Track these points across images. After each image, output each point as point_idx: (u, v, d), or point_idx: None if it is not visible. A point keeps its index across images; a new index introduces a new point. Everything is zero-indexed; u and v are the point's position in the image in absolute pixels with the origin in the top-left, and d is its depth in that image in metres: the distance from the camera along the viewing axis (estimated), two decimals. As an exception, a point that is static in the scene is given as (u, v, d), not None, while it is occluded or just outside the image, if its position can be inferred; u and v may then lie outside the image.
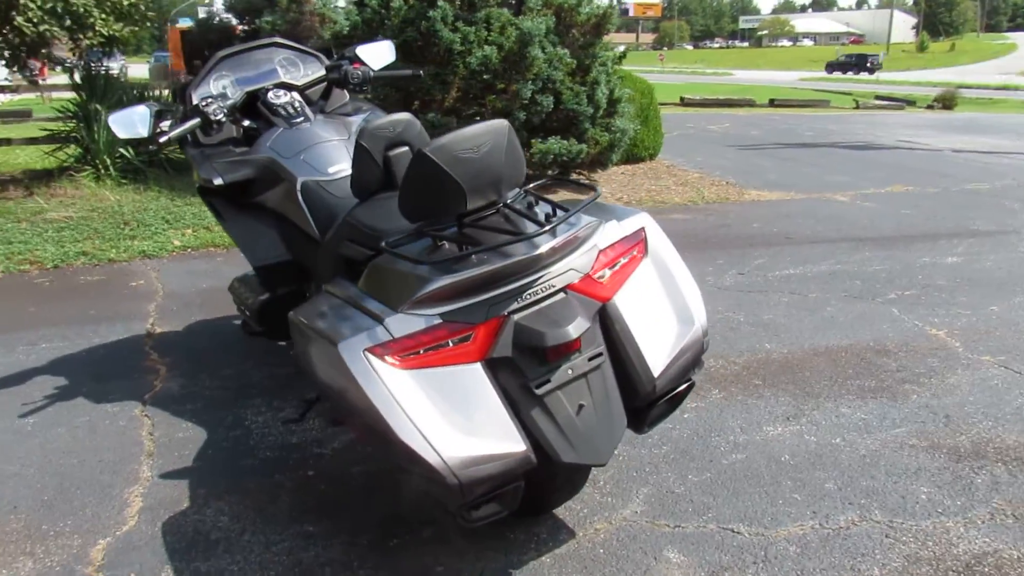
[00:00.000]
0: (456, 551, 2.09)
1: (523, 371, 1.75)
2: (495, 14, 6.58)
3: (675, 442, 2.65)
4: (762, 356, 3.41)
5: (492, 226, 1.83)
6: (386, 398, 1.63)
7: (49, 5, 5.97)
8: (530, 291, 1.77)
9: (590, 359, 1.82)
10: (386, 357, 1.66)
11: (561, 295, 1.82)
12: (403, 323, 1.70)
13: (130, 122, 2.53)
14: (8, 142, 8.11)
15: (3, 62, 6.67)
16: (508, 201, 1.89)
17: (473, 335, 1.72)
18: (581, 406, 1.80)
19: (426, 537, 2.14)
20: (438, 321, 1.70)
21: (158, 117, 2.58)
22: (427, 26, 6.19)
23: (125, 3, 6.48)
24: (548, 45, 6.73)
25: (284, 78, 2.87)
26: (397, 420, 1.62)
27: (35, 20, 5.87)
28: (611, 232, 1.95)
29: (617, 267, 1.93)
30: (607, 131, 7.31)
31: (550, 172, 7.38)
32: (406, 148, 2.22)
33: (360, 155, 2.16)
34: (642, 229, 2.01)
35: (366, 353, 1.66)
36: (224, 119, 2.62)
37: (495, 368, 1.75)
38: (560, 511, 2.25)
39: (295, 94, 2.80)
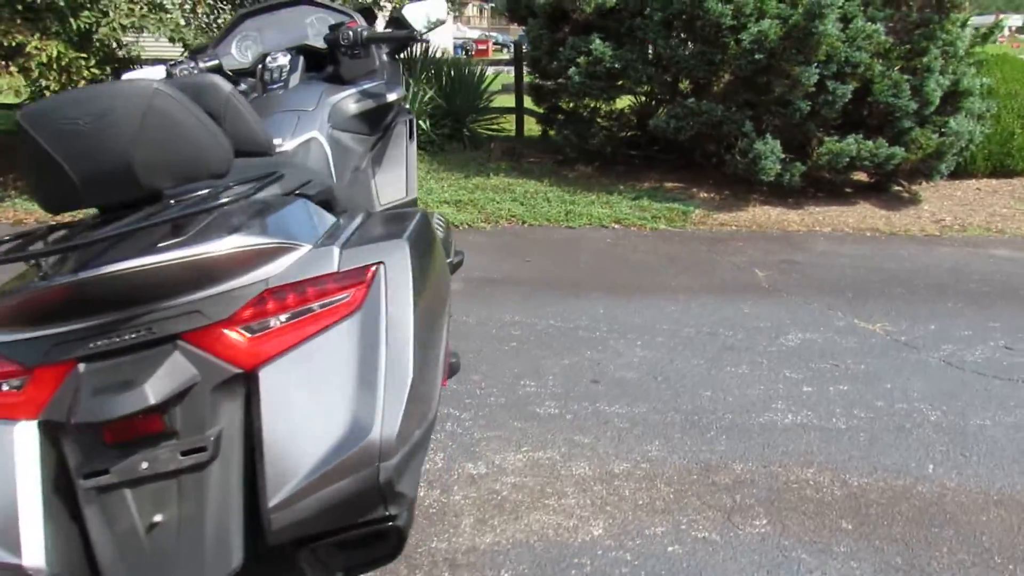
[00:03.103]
0: None
1: (78, 450, 1.16)
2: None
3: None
4: (901, 485, 2.15)
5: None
6: None
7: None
8: (116, 332, 1.16)
9: (184, 453, 1.16)
10: None
11: (168, 345, 1.18)
12: None
13: None
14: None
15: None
16: (186, 197, 1.30)
17: (27, 381, 1.18)
18: (155, 523, 1.16)
19: None
20: None
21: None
22: (693, -3, 5.29)
23: None
24: (860, 18, 5.32)
25: (312, 40, 2.52)
26: None
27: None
28: (309, 263, 1.23)
29: (290, 320, 1.20)
30: (939, 133, 5.61)
31: (851, 178, 5.93)
32: None
33: None
34: (373, 268, 1.24)
35: None
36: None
37: (58, 436, 1.19)
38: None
39: (291, 58, 2.44)
